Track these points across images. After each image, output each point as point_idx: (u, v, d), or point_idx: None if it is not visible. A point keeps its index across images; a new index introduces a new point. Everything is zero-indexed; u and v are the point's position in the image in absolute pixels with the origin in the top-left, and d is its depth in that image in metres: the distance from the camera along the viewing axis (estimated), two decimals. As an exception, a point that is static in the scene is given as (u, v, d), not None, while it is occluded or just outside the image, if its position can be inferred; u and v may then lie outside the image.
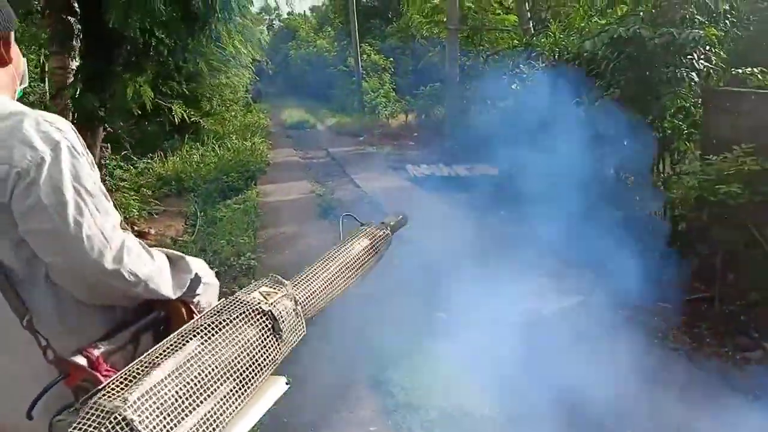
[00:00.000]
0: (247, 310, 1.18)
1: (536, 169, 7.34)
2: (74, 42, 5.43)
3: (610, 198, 5.57)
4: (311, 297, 1.35)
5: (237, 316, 1.16)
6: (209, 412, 1.02)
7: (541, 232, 5.50)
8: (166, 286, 1.23)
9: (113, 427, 0.90)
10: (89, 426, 0.90)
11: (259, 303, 1.20)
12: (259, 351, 1.15)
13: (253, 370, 1.13)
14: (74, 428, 0.91)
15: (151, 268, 1.19)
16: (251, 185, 9.64)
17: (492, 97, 8.53)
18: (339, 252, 1.52)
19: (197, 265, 1.32)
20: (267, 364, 1.16)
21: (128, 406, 0.92)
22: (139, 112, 8.63)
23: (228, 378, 1.08)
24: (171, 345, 1.07)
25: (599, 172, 5.91)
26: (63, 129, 1.14)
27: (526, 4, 11.13)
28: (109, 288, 1.16)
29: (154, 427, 0.94)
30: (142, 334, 1.22)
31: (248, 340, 1.14)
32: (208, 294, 1.33)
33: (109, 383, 0.98)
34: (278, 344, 1.20)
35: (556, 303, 4.66)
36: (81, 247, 1.10)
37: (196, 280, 1.29)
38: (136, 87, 6.07)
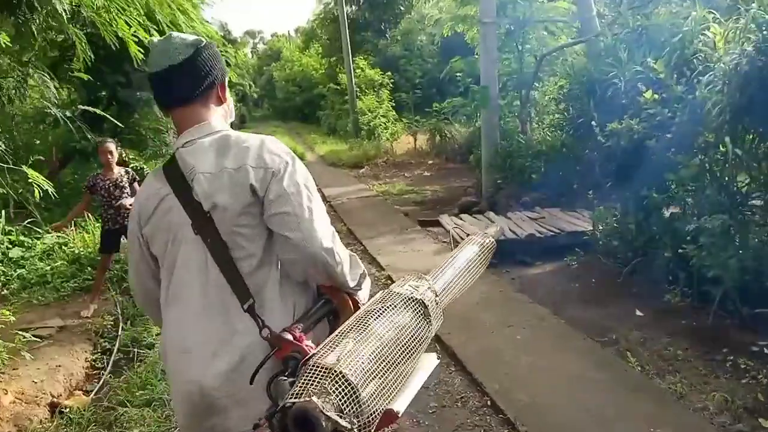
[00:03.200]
0: (405, 298, 1.42)
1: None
2: None
3: None
4: (445, 290, 1.58)
5: (398, 303, 1.40)
6: (391, 373, 1.26)
7: None
8: (350, 275, 1.53)
9: (332, 379, 1.15)
10: (313, 379, 1.16)
11: (411, 293, 1.45)
12: (417, 330, 1.38)
13: (415, 345, 1.36)
14: (302, 382, 1.16)
15: (345, 255, 1.52)
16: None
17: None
18: (457, 257, 1.72)
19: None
20: (423, 342, 1.40)
21: (341, 365, 1.17)
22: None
23: (400, 349, 1.31)
24: (356, 323, 1.32)
25: None
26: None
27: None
28: (322, 264, 1.46)
29: (358, 380, 1.16)
30: (320, 320, 1.51)
31: (408, 322, 1.38)
32: (365, 287, 1.59)
33: (318, 351, 1.24)
34: (428, 326, 1.43)
35: None
36: (311, 226, 1.44)
37: (363, 276, 1.57)
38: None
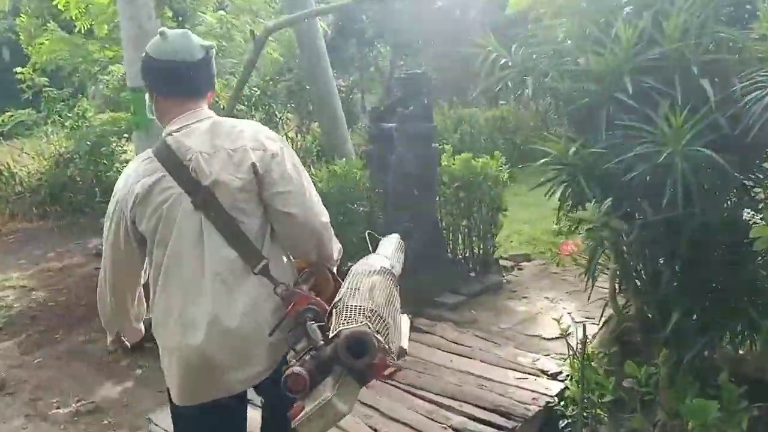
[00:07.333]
0: (383, 269, 1.65)
1: None
2: None
3: None
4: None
5: (377, 270, 1.63)
6: (396, 319, 1.53)
7: None
8: (335, 249, 1.81)
9: (366, 315, 1.42)
10: (352, 315, 1.42)
11: (382, 264, 1.68)
12: (395, 290, 1.61)
13: (397, 302, 1.59)
14: (342, 319, 1.42)
15: (332, 232, 1.80)
16: None
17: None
18: (386, 244, 1.92)
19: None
20: (398, 300, 1.62)
21: (371, 304, 1.45)
22: None
23: (393, 302, 1.56)
24: (355, 282, 1.56)
25: None
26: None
27: None
28: (319, 237, 1.72)
29: (386, 317, 1.45)
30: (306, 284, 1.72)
31: (389, 284, 1.60)
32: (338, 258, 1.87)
33: (341, 298, 1.50)
34: (397, 289, 1.65)
35: None
36: (311, 204, 1.69)
37: (340, 251, 1.83)
38: None
